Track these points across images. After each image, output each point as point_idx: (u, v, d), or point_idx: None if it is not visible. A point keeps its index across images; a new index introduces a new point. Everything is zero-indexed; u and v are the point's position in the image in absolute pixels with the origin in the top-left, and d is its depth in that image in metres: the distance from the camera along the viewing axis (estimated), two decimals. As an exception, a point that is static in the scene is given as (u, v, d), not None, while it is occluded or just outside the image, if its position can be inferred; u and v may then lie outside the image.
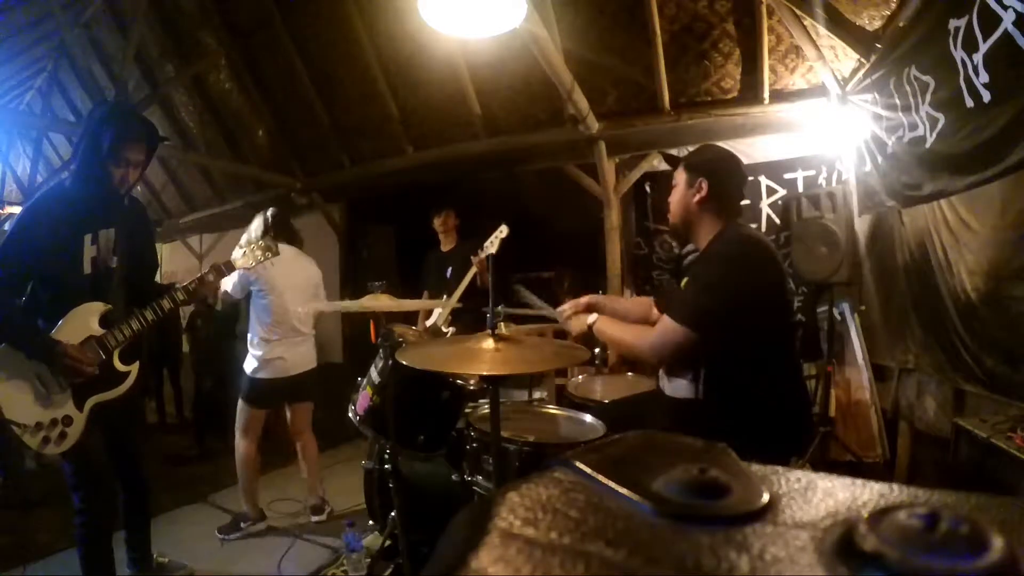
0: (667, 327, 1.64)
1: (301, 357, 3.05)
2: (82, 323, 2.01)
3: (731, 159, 1.84)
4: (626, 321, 2.06)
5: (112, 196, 2.09)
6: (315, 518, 3.09)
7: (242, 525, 3.02)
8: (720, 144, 2.05)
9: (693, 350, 1.61)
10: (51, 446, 1.92)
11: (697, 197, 1.75)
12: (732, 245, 1.68)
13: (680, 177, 1.81)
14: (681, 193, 1.80)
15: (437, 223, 3.99)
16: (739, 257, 1.65)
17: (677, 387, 1.75)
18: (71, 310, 2.00)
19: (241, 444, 3.01)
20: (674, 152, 2.24)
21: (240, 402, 3.04)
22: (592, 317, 1.88)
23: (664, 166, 4.03)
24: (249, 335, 3.03)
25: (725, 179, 1.78)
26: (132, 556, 2.40)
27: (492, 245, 3.39)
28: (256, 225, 3.03)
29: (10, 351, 1.93)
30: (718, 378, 1.66)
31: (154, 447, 4.50)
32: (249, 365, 2.98)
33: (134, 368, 2.14)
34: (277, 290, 2.97)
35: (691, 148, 3.73)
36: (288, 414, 3.18)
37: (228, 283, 2.90)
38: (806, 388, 2.03)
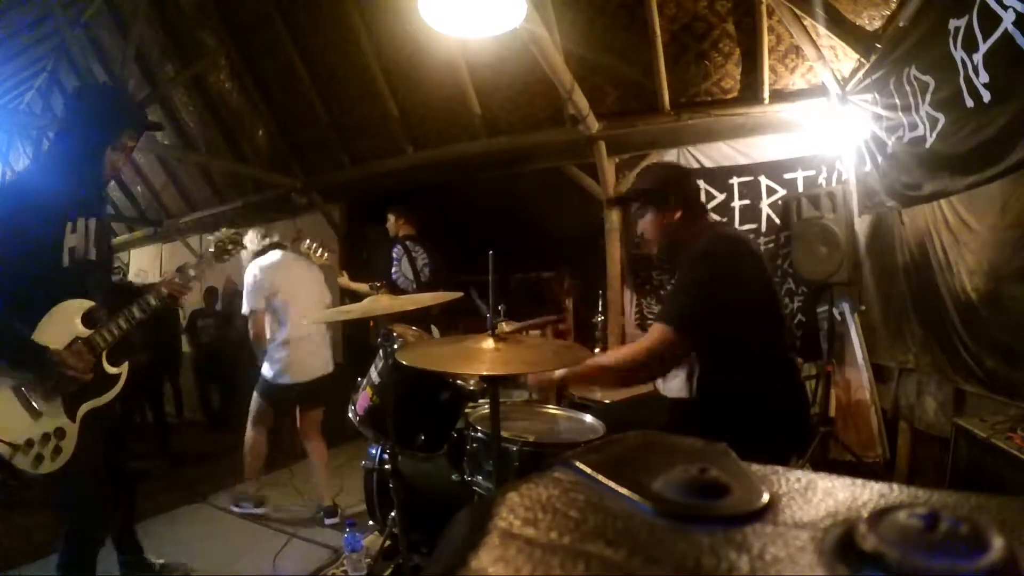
0: (655, 329, 1.66)
1: (316, 362, 3.14)
2: (64, 323, 1.77)
3: (679, 169, 1.93)
4: None
5: (97, 183, 1.93)
6: (328, 521, 3.11)
7: (236, 508, 3.22)
8: (668, 157, 2.01)
9: (685, 349, 1.63)
10: (46, 463, 1.68)
11: (676, 215, 1.78)
12: (706, 244, 1.71)
13: (645, 208, 1.84)
14: (654, 220, 1.82)
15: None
16: (712, 255, 1.67)
17: (671, 387, 1.77)
18: (50, 309, 1.75)
19: (251, 433, 3.15)
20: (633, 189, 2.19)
21: (256, 395, 3.16)
22: (560, 372, 1.74)
23: (664, 166, 4.04)
24: (269, 340, 3.14)
25: (685, 189, 1.86)
26: (123, 559, 2.40)
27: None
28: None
29: None
30: (709, 376, 1.67)
31: (154, 447, 4.51)
32: (268, 369, 3.10)
33: (123, 370, 1.95)
34: (290, 296, 3.08)
35: (689, 149, 3.79)
36: (298, 416, 3.23)
37: (245, 295, 3.06)
38: (802, 384, 2.03)
